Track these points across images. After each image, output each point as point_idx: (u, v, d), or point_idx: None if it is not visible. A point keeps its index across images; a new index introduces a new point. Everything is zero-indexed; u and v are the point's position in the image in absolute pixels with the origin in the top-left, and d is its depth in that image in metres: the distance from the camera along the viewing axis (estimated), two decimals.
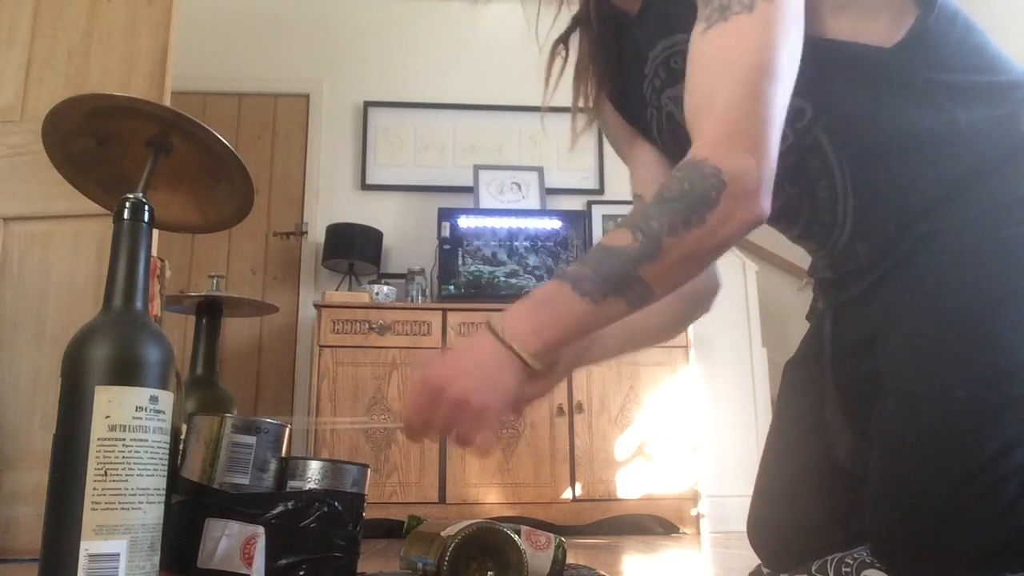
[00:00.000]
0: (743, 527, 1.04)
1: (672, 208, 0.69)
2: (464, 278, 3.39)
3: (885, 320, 0.81)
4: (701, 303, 1.04)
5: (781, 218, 0.94)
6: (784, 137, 0.84)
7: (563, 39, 1.00)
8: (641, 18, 0.92)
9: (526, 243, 3.48)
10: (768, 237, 4.49)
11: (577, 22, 0.99)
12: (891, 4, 0.81)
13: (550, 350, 0.72)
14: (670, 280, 0.72)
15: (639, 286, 0.71)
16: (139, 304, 0.75)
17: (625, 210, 3.91)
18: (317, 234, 3.70)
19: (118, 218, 0.76)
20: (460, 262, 3.41)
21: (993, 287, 0.75)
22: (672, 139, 0.98)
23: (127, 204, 0.76)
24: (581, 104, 1.03)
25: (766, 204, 0.71)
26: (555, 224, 3.52)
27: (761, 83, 0.71)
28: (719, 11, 0.74)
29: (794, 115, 0.80)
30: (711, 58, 0.74)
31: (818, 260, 0.96)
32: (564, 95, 1.02)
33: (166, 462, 0.73)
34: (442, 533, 0.94)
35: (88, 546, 0.66)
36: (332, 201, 3.80)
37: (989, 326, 0.74)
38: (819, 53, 0.77)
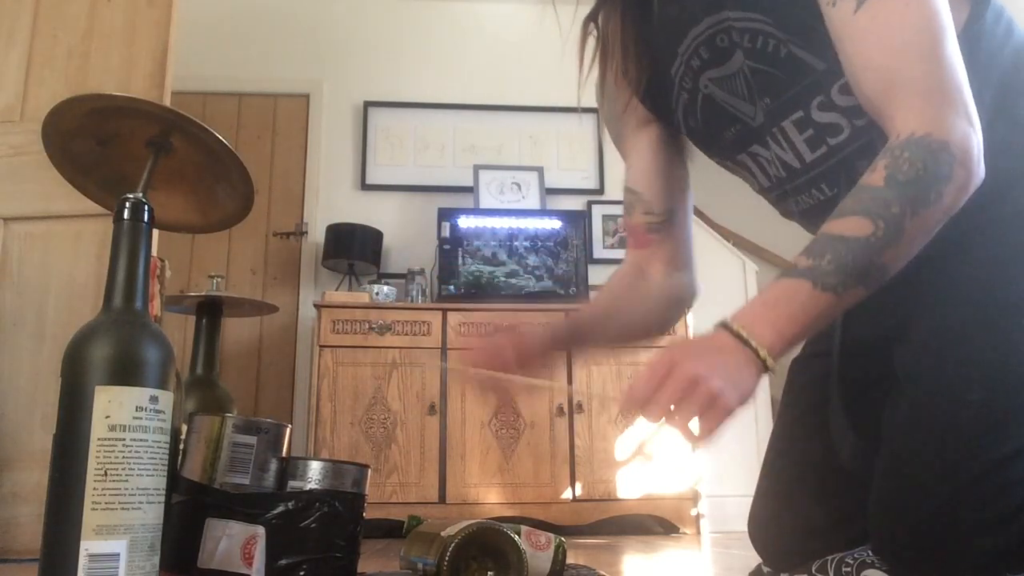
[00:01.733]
0: (743, 527, 1.04)
1: (911, 191, 0.68)
2: (464, 278, 3.39)
3: (902, 320, 0.80)
4: (684, 309, 1.07)
5: (808, 217, 0.93)
6: (838, 131, 0.83)
7: (592, 17, 0.97)
8: None
9: (526, 243, 3.48)
10: (768, 237, 4.50)
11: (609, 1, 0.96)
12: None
13: (789, 347, 0.70)
14: (904, 259, 0.70)
15: (879, 271, 0.69)
16: (139, 304, 0.75)
17: None
18: (317, 234, 3.70)
19: (118, 218, 0.76)
20: (460, 262, 3.41)
21: (1013, 292, 0.75)
22: (705, 123, 0.95)
23: (127, 204, 0.76)
24: (608, 84, 1.01)
25: (983, 164, 0.70)
26: (555, 224, 3.52)
27: (947, 47, 0.70)
28: None
29: (859, 109, 0.79)
30: (881, 34, 0.72)
31: None
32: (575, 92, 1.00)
33: (166, 462, 0.73)
34: (442, 533, 0.94)
35: (88, 546, 0.66)
36: (332, 201, 3.80)
37: (1008, 330, 0.73)
38: None
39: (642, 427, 3.09)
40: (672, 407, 0.66)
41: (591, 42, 0.98)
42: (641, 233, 1.03)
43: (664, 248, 1.02)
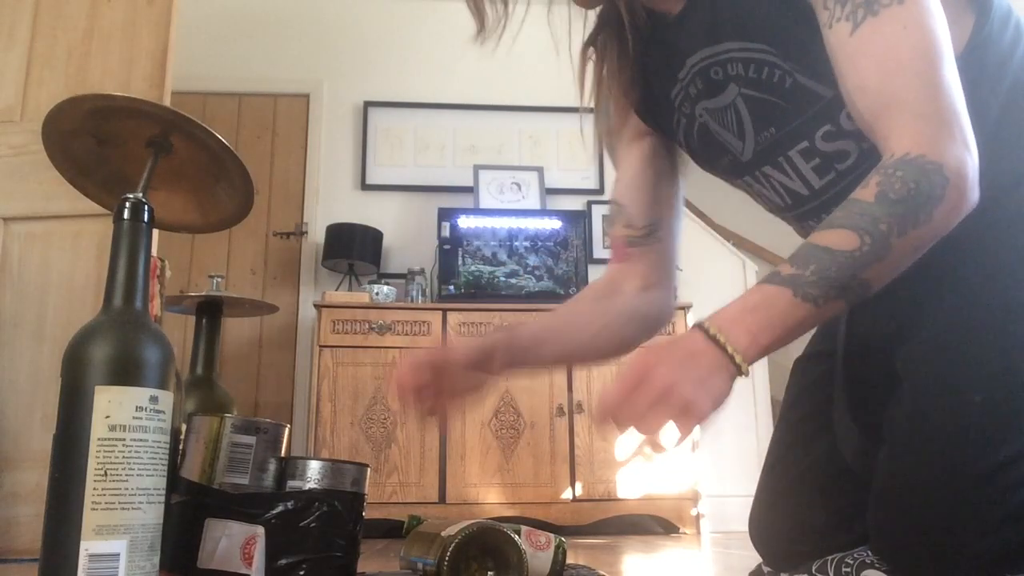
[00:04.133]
0: (743, 527, 1.04)
1: (900, 209, 0.68)
2: (464, 278, 3.39)
3: (906, 319, 0.80)
4: (655, 328, 1.03)
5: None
6: (846, 156, 0.83)
7: (592, 41, 0.97)
8: (682, 21, 0.89)
9: (526, 243, 3.48)
10: (768, 237, 4.50)
11: (604, 22, 0.96)
12: (951, 7, 0.79)
13: (764, 354, 0.70)
14: (889, 276, 0.71)
15: (861, 287, 0.69)
16: (139, 304, 0.75)
17: None
18: (317, 234, 3.70)
19: (118, 218, 0.76)
20: (460, 262, 3.41)
21: (1017, 294, 0.75)
22: (704, 148, 0.96)
23: (127, 204, 0.76)
24: (609, 105, 1.01)
25: (977, 192, 0.70)
26: (555, 224, 3.52)
27: (944, 70, 0.70)
28: (865, 6, 0.72)
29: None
30: (878, 56, 0.72)
31: None
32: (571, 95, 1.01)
33: (166, 462, 0.73)
34: (442, 533, 0.94)
35: (88, 546, 0.66)
36: (332, 201, 3.80)
37: (1013, 331, 0.73)
38: None
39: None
40: (644, 415, 0.66)
41: (590, 65, 0.98)
42: (620, 246, 1.03)
43: (642, 263, 1.01)
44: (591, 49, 0.97)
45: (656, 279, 1.01)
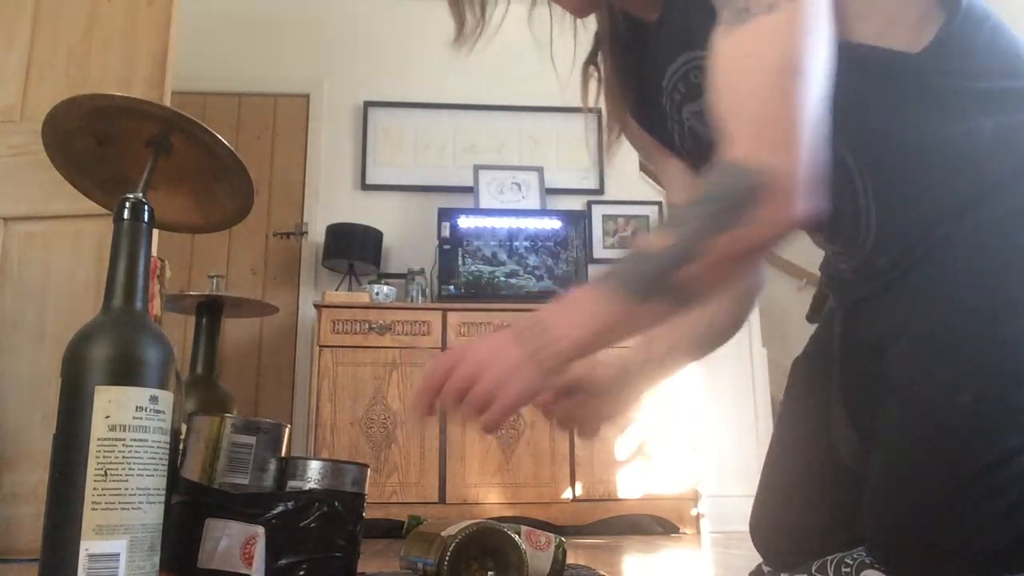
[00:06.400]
0: (743, 527, 1.04)
1: (708, 210, 0.68)
2: (464, 278, 3.39)
3: (896, 321, 0.80)
4: (751, 301, 1.04)
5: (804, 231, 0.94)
6: None
7: (591, 60, 0.98)
8: (659, 30, 0.90)
9: (526, 243, 3.48)
10: None
11: (600, 40, 0.97)
12: (917, 9, 0.80)
13: (582, 350, 0.72)
14: (710, 282, 0.71)
15: (678, 289, 0.70)
16: (139, 304, 0.75)
17: (625, 210, 3.91)
18: (317, 234, 3.70)
19: (118, 218, 0.76)
20: (460, 262, 3.41)
21: (1006, 293, 0.74)
22: (696, 151, 0.96)
23: (127, 204, 0.76)
24: (610, 120, 1.02)
25: (804, 205, 0.69)
26: (555, 224, 3.52)
27: (789, 83, 0.69)
28: (739, 14, 0.72)
29: None
30: (734, 61, 0.72)
31: (838, 260, 0.95)
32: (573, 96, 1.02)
33: (166, 462, 0.73)
34: (442, 533, 0.94)
35: (88, 546, 0.66)
36: (332, 201, 3.80)
37: (999, 332, 0.73)
38: (842, 59, 0.75)
39: (642, 427, 3.09)
40: (452, 400, 0.71)
41: (593, 83, 1.00)
42: None
43: None
44: (592, 68, 0.98)
45: None
